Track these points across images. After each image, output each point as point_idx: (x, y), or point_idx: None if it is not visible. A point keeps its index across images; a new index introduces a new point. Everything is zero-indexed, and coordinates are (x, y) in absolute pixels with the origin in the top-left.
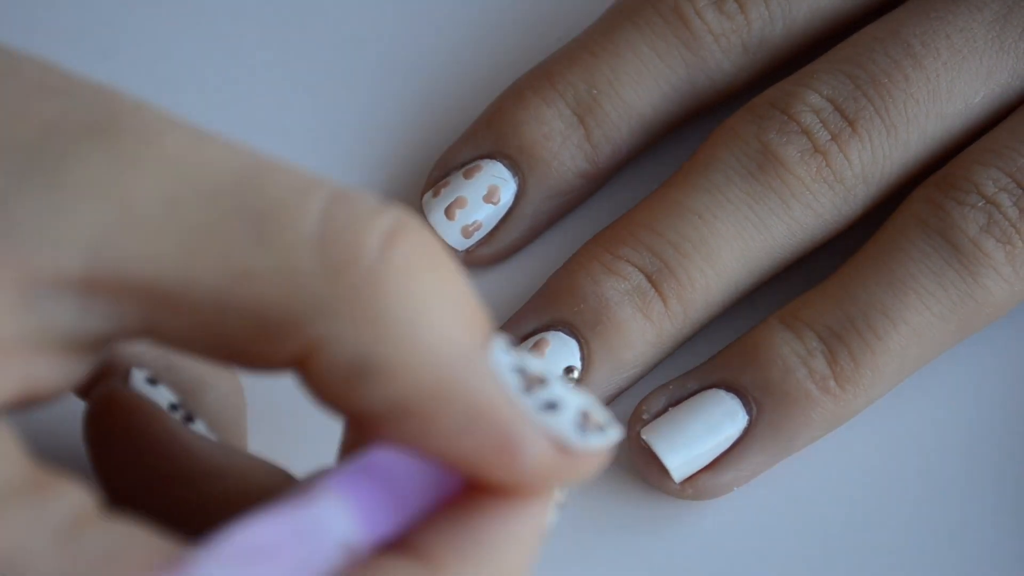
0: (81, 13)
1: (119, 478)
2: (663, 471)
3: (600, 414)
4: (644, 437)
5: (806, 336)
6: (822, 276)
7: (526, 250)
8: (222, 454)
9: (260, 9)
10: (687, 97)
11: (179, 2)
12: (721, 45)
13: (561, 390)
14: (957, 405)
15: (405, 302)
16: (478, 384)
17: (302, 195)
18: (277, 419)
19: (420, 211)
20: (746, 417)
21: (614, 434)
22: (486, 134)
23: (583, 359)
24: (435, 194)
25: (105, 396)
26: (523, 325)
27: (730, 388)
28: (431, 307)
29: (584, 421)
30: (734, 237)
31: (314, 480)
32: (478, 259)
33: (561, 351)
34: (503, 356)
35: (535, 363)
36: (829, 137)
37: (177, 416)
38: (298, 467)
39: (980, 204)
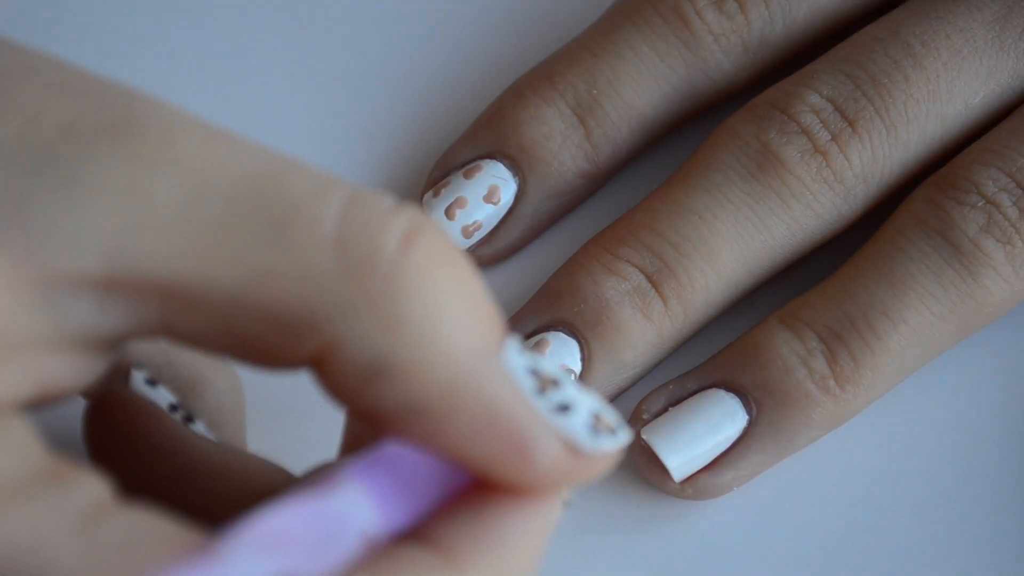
0: (81, 13)
1: (119, 479)
2: (663, 471)
3: (611, 416)
4: (644, 437)
5: (806, 336)
6: (822, 276)
7: (526, 250)
8: (222, 453)
9: (260, 9)
10: (687, 97)
11: (179, 2)
12: (721, 45)
13: (574, 392)
14: (957, 405)
15: (422, 303)
16: (493, 386)
17: (319, 195)
18: (277, 419)
19: None
20: (746, 417)
21: (624, 436)
22: (486, 134)
23: (583, 359)
24: (435, 194)
25: (104, 397)
26: (523, 325)
27: (730, 388)
28: (448, 308)
29: (596, 423)
30: (734, 237)
31: (334, 470)
32: (478, 259)
33: (561, 351)
34: (517, 357)
35: (548, 364)
36: (829, 137)
37: (176, 417)
38: (298, 466)
39: (980, 204)
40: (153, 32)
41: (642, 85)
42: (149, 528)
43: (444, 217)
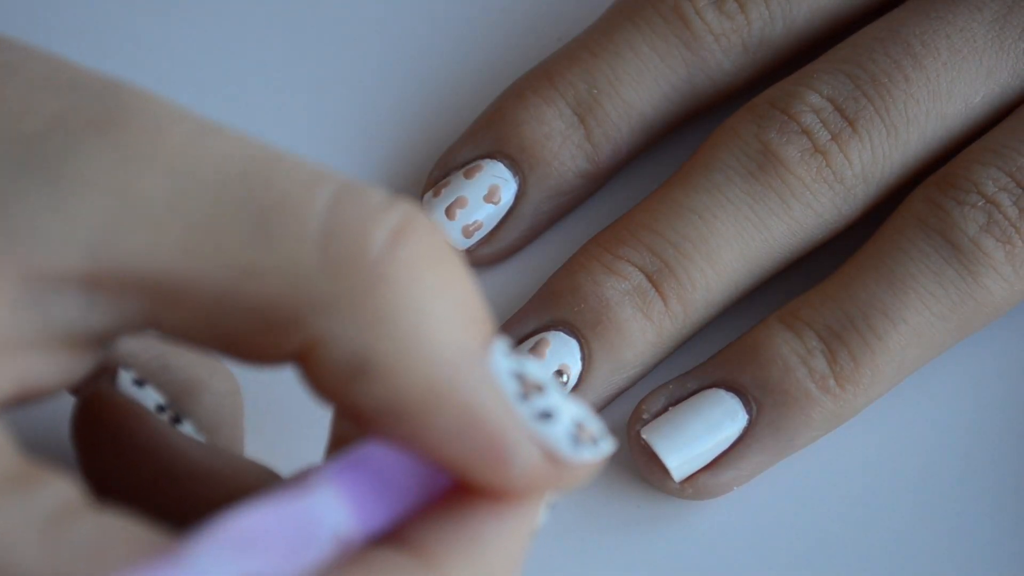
0: (81, 12)
1: (105, 479)
2: (663, 470)
3: (595, 425)
4: (644, 436)
5: (806, 335)
6: (822, 276)
7: (526, 250)
8: (209, 456)
9: (260, 9)
10: (687, 97)
11: (179, 2)
12: (721, 45)
13: (558, 399)
14: (957, 405)
15: (407, 301)
16: (475, 388)
17: (309, 188)
18: (275, 419)
19: None
20: (746, 416)
21: (607, 446)
22: (486, 134)
23: (583, 359)
24: (435, 194)
25: (91, 396)
26: (523, 325)
27: (730, 387)
28: (434, 307)
29: (578, 432)
30: (734, 237)
31: (308, 472)
32: (478, 259)
33: (561, 351)
34: (503, 360)
35: (534, 369)
36: (829, 137)
37: (164, 418)
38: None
39: (980, 204)
40: (153, 32)
41: (642, 85)
42: (117, 531)
43: (444, 217)
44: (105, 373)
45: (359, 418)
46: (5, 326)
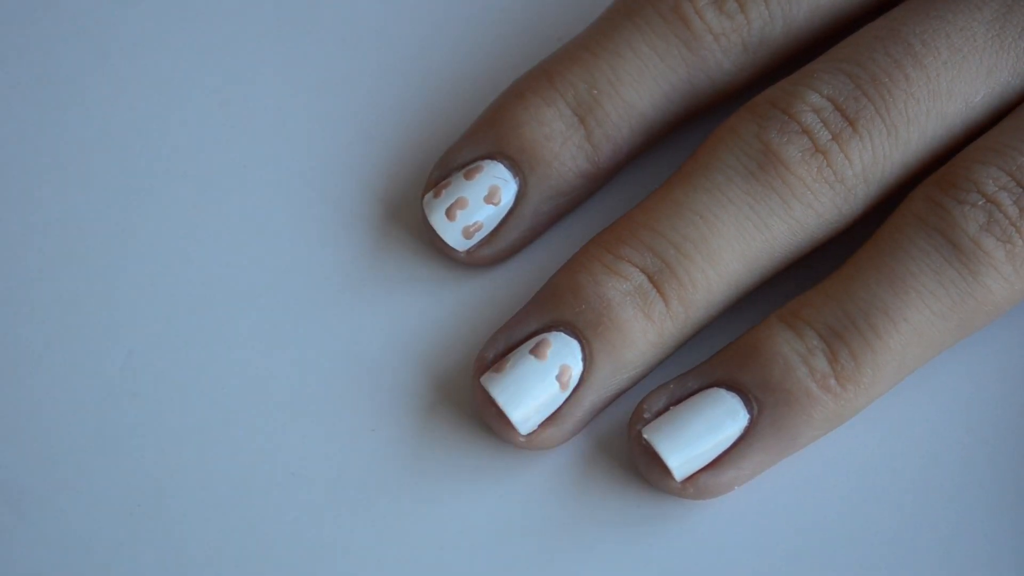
0: (81, 12)
1: None
2: (664, 470)
3: None
4: (645, 436)
5: (807, 335)
6: (823, 275)
7: (527, 250)
8: None
9: (260, 9)
10: (687, 97)
11: (179, 2)
12: (721, 44)
13: None
14: (957, 405)
15: None
16: None
17: None
18: (274, 420)
19: (421, 211)
20: (747, 416)
21: None
22: (487, 134)
23: (584, 359)
24: (436, 195)
25: None
26: (524, 325)
27: (731, 387)
28: None
29: None
30: (735, 237)
31: None
32: (479, 259)
33: (562, 351)
34: None
35: None
36: (830, 137)
37: None
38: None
39: (980, 203)
40: (153, 32)
41: (642, 85)
42: None
43: (445, 218)
44: None
45: None
46: None
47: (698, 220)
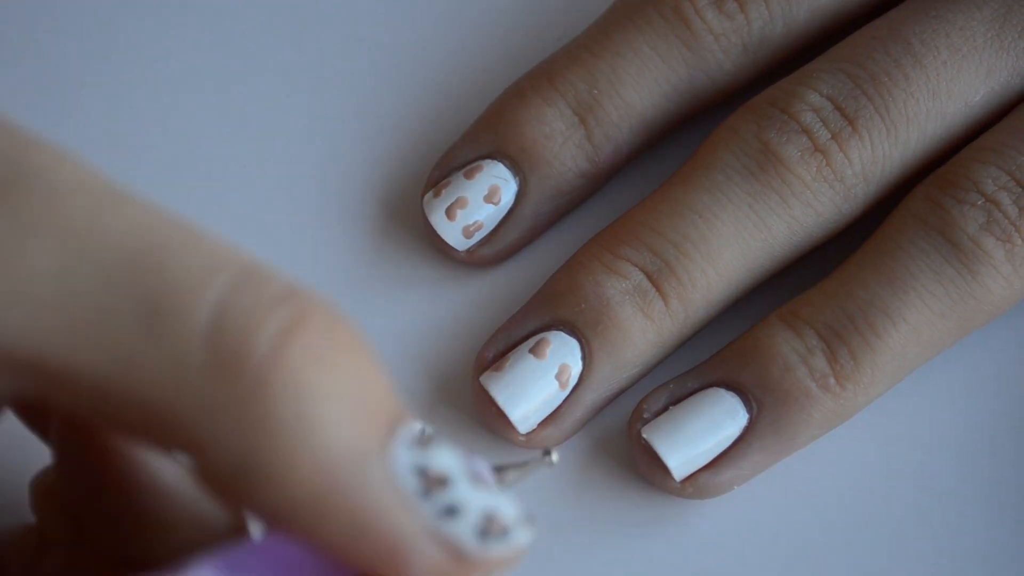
0: (81, 13)
1: (77, 477)
2: (664, 470)
3: (508, 515)
4: (644, 436)
5: (806, 334)
6: (822, 275)
7: (527, 250)
8: (176, 475)
9: (260, 9)
10: (687, 97)
11: (179, 2)
12: (721, 45)
13: (464, 491)
14: (956, 405)
15: (292, 406)
16: (367, 491)
17: (202, 279)
18: None
19: (421, 211)
20: (746, 415)
21: (522, 537)
22: (487, 134)
23: (584, 359)
24: (436, 194)
25: None
26: (524, 325)
27: (730, 386)
28: (320, 410)
29: (487, 525)
30: (734, 236)
31: (203, 557)
32: (479, 259)
33: (562, 351)
34: (404, 455)
35: (440, 460)
36: (829, 136)
37: None
38: None
39: (980, 202)
40: (153, 32)
41: (642, 85)
42: None
43: (445, 217)
44: None
45: (252, 514)
46: None
47: (697, 219)
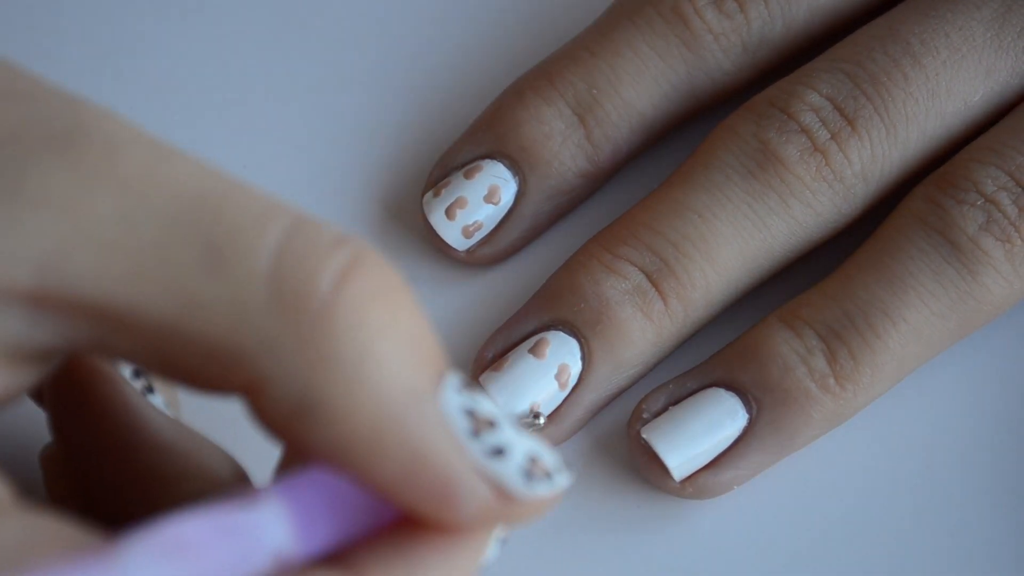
0: (81, 12)
1: (76, 444)
2: (663, 470)
3: (549, 460)
4: (644, 436)
5: (806, 334)
6: (822, 275)
7: (526, 250)
8: (174, 431)
9: (260, 9)
10: (687, 96)
11: (179, 3)
12: (721, 44)
13: (510, 434)
14: (956, 405)
15: (353, 342)
16: (422, 428)
17: (260, 224)
18: None
19: (420, 211)
20: (746, 416)
21: (563, 480)
22: (487, 134)
23: (583, 358)
24: (436, 194)
25: (68, 360)
26: (523, 325)
27: (730, 387)
28: (379, 347)
29: (532, 467)
30: (734, 236)
31: (256, 487)
32: (478, 259)
33: (561, 351)
34: (454, 397)
35: (486, 405)
36: (828, 136)
37: (139, 384)
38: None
39: (979, 202)
40: (153, 33)
41: (642, 84)
42: (45, 531)
43: (444, 217)
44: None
45: (307, 453)
46: None
47: (697, 219)
